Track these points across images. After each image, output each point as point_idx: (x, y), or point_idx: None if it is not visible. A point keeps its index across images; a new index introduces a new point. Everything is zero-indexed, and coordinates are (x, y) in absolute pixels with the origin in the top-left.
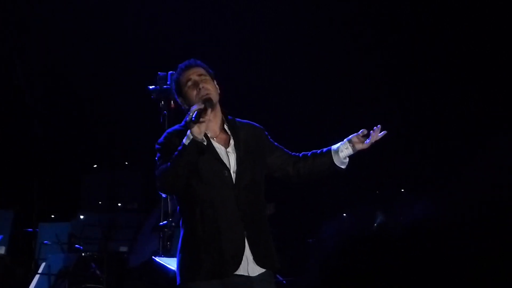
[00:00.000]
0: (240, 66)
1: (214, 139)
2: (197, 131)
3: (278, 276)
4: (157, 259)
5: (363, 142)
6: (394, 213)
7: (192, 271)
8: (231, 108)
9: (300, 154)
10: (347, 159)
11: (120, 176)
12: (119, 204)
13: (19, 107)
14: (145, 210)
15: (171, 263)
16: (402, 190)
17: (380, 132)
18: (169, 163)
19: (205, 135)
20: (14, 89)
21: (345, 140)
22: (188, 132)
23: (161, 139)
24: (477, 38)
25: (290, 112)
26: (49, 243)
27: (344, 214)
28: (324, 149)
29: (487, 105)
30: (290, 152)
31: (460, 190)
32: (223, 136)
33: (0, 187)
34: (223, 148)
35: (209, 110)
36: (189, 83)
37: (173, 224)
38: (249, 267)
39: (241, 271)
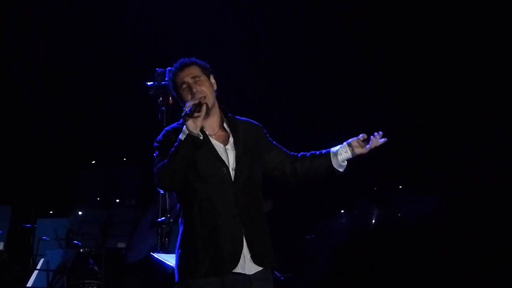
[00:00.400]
0: (239, 64)
1: (212, 137)
2: (192, 125)
3: (276, 273)
4: (155, 255)
5: (363, 147)
6: (391, 209)
7: (191, 268)
8: (231, 107)
9: (299, 154)
10: (346, 163)
11: (118, 172)
12: (117, 200)
13: (18, 103)
14: (143, 206)
15: (169, 260)
16: (400, 187)
17: (380, 139)
18: (166, 160)
19: (204, 133)
20: (13, 85)
21: (344, 143)
22: (184, 127)
23: (159, 137)
24: (476, 38)
25: (290, 112)
26: (47, 239)
27: (342, 211)
28: (323, 151)
29: (486, 103)
30: (289, 152)
31: (458, 188)
32: (222, 133)
33: None
34: (222, 145)
35: (204, 106)
36: (184, 86)
37: (171, 220)
38: (246, 265)
39: (239, 269)
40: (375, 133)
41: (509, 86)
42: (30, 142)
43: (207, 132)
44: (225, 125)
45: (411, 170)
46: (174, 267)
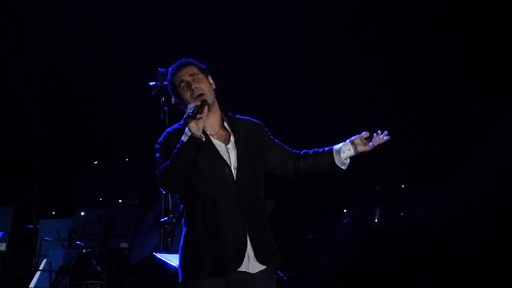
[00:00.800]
0: (240, 64)
1: (213, 136)
2: (194, 127)
3: (279, 272)
4: (158, 255)
5: (365, 145)
6: (394, 209)
7: (194, 269)
8: (232, 106)
9: (301, 152)
10: (348, 160)
11: (121, 172)
12: (120, 200)
13: (19, 104)
14: (145, 206)
15: (172, 260)
16: (402, 186)
17: (384, 137)
18: (168, 162)
19: (205, 133)
20: (13, 85)
21: (347, 141)
22: (186, 129)
23: (161, 138)
24: (476, 37)
25: (291, 111)
26: (50, 239)
27: (345, 210)
28: (326, 149)
29: (486, 103)
30: (291, 150)
31: (459, 187)
32: (222, 133)
33: (1, 183)
34: (223, 145)
35: (205, 107)
36: (182, 84)
37: (174, 220)
38: (250, 264)
39: (243, 268)
40: (379, 131)
41: (508, 86)
42: (31, 143)
43: (208, 132)
44: (225, 124)
45: (412, 170)
46: (177, 267)
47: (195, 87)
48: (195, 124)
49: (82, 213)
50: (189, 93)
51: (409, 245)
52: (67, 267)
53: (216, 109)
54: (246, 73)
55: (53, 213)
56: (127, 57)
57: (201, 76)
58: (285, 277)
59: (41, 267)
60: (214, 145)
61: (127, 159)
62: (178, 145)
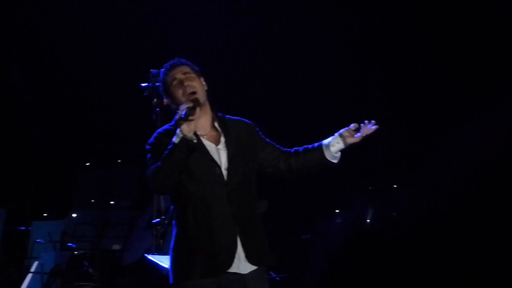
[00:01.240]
0: (232, 64)
1: (204, 137)
2: (186, 129)
3: (271, 273)
4: (150, 257)
5: (354, 136)
6: (386, 208)
7: (186, 270)
8: (226, 105)
9: (292, 150)
10: (339, 154)
11: (113, 173)
12: (112, 202)
13: (13, 105)
14: (138, 207)
15: (164, 261)
16: (395, 186)
17: (372, 126)
18: (159, 163)
19: (195, 133)
20: (9, 88)
21: (336, 134)
22: (178, 130)
23: (151, 139)
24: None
25: (283, 108)
26: (42, 241)
27: (337, 210)
28: (316, 144)
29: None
30: (282, 148)
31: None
32: (213, 133)
33: None
34: (213, 145)
35: (197, 108)
36: (175, 82)
37: (166, 221)
38: (241, 264)
39: (234, 268)
40: (365, 121)
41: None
42: (25, 145)
43: (198, 133)
44: (216, 125)
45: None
46: (168, 269)
47: (188, 85)
48: (187, 126)
49: (74, 215)
50: (181, 91)
51: (402, 243)
52: (58, 269)
53: (207, 110)
54: (239, 72)
55: (45, 215)
56: (121, 59)
57: (193, 75)
58: (277, 278)
59: (32, 269)
60: (205, 146)
61: (120, 161)
62: (169, 146)
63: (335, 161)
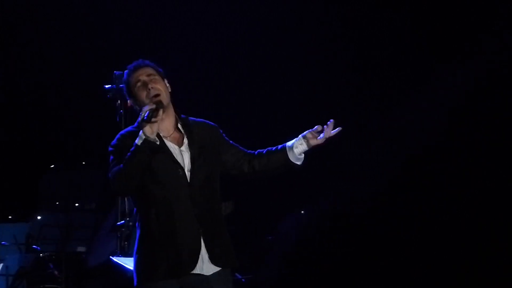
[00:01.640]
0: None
1: (167, 138)
2: (149, 131)
3: (237, 274)
4: (115, 259)
5: (317, 138)
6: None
7: (149, 271)
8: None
9: (256, 152)
10: (303, 155)
11: (78, 176)
12: (77, 204)
13: None
14: (103, 210)
15: (129, 263)
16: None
17: (334, 129)
18: (122, 165)
19: (158, 135)
20: None
21: (299, 136)
22: (141, 132)
23: (114, 141)
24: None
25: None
26: (7, 244)
27: (302, 212)
28: (279, 146)
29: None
30: (246, 150)
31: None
32: (176, 135)
33: None
34: (176, 147)
35: (160, 110)
36: (138, 84)
37: (131, 223)
38: (204, 266)
39: (197, 270)
40: (328, 122)
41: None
42: None
43: (161, 134)
44: (179, 126)
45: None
46: (132, 271)
47: (152, 87)
48: (150, 128)
49: (39, 217)
50: (145, 93)
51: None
52: (23, 271)
53: (170, 112)
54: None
55: (10, 217)
56: (84, 59)
57: (157, 77)
58: (243, 279)
59: None
60: (168, 148)
61: (84, 163)
62: (131, 148)
63: (298, 162)
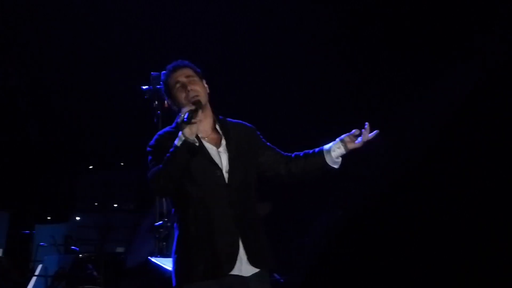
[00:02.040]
0: (234, 66)
1: (205, 139)
2: (188, 132)
3: (275, 275)
4: (153, 259)
5: (354, 142)
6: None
7: (187, 272)
8: (226, 107)
9: (293, 154)
10: (340, 159)
11: (116, 176)
12: (115, 205)
13: (15, 108)
14: (141, 210)
15: (167, 264)
16: None
17: (371, 132)
18: (161, 165)
19: (196, 136)
20: (10, 90)
21: (337, 139)
22: (180, 133)
23: (152, 141)
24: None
25: (284, 112)
26: (45, 245)
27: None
28: (316, 149)
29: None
30: (282, 152)
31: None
32: (214, 136)
33: None
34: (214, 148)
35: (199, 111)
36: (178, 85)
37: (169, 224)
38: (243, 267)
39: (235, 271)
40: (366, 126)
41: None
42: (28, 148)
43: (200, 135)
44: (217, 127)
45: None
46: (171, 272)
47: (191, 89)
48: (189, 129)
49: (78, 218)
50: (184, 95)
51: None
52: (62, 272)
53: (208, 113)
54: (241, 75)
55: (49, 218)
56: (121, 58)
57: (196, 78)
58: (281, 280)
59: (37, 272)
60: (206, 149)
61: (122, 164)
62: (171, 149)
63: (336, 166)
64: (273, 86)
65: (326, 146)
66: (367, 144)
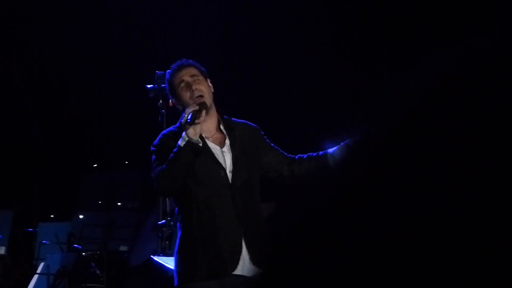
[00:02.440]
0: (239, 66)
1: (209, 139)
2: (192, 132)
3: None
4: (156, 258)
5: None
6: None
7: (190, 272)
8: (226, 106)
9: (296, 156)
10: None
11: (120, 175)
12: (119, 204)
13: (18, 107)
14: (145, 209)
15: (170, 263)
16: None
17: None
18: (164, 165)
19: (200, 136)
20: (12, 90)
21: (342, 143)
22: (184, 133)
23: (156, 141)
24: None
25: (283, 112)
26: (48, 243)
27: None
28: (320, 152)
29: None
30: (286, 154)
31: None
32: (218, 135)
33: (0, 187)
34: (218, 148)
35: (203, 112)
36: (182, 85)
37: (172, 223)
38: (245, 267)
39: (238, 271)
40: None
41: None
42: (31, 146)
43: (203, 135)
44: (221, 127)
45: None
46: (173, 271)
47: (195, 89)
48: (193, 129)
49: (81, 216)
50: (188, 94)
51: None
52: (65, 270)
53: (213, 112)
54: (247, 74)
55: (52, 216)
56: (125, 57)
57: (201, 78)
58: None
59: (39, 271)
60: (210, 149)
61: (126, 162)
62: (174, 149)
63: None
64: (273, 86)
65: (330, 150)
66: None
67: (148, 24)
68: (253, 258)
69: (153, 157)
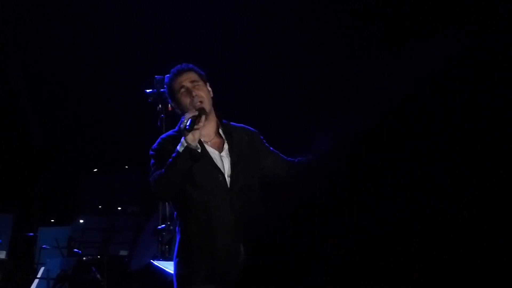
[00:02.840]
0: (238, 70)
1: (208, 143)
2: (191, 138)
3: None
4: (155, 262)
5: None
6: None
7: (188, 276)
8: (225, 108)
9: (295, 160)
10: None
11: (120, 179)
12: (119, 208)
13: (18, 110)
14: (145, 213)
15: (169, 267)
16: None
17: None
18: (163, 170)
19: (199, 140)
20: (12, 92)
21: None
22: (182, 139)
23: (155, 145)
24: None
25: (283, 112)
26: (48, 247)
27: None
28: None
29: None
30: (285, 157)
31: None
32: (217, 140)
33: (0, 191)
34: (217, 152)
35: (203, 117)
36: (182, 90)
37: (172, 227)
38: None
39: (237, 275)
40: None
41: None
42: (31, 150)
43: (202, 139)
44: (220, 131)
45: None
46: (172, 275)
47: (196, 95)
48: (192, 135)
49: (81, 221)
50: (188, 100)
51: None
52: (65, 274)
53: (212, 117)
54: (245, 76)
55: (52, 221)
56: (125, 61)
57: (201, 83)
58: None
59: (39, 275)
60: (209, 153)
61: (126, 166)
62: (173, 154)
63: None
64: (273, 86)
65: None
66: None
67: (147, 28)
68: (252, 262)
69: (152, 161)
